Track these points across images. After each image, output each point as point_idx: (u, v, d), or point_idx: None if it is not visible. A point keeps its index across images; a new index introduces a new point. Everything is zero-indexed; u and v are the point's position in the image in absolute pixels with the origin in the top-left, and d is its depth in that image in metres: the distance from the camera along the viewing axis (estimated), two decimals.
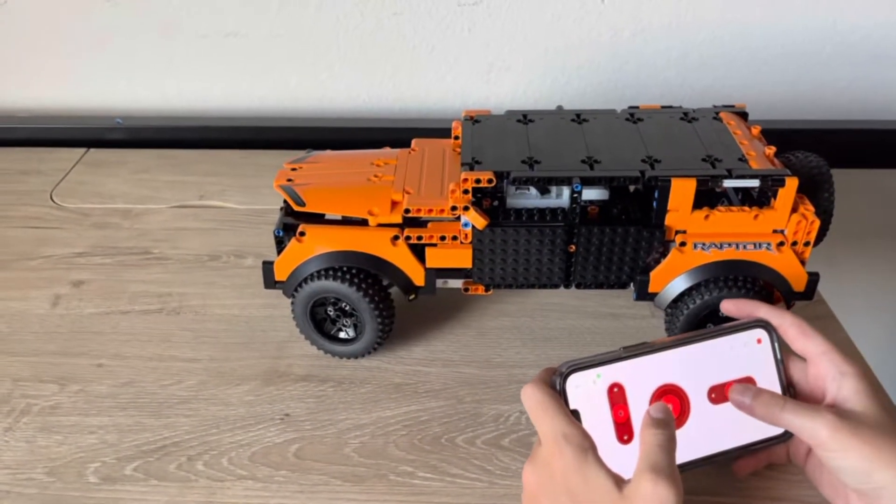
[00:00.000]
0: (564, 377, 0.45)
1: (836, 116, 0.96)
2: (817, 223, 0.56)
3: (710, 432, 0.48)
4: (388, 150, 0.65)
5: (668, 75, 0.94)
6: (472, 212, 0.55)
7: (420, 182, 0.59)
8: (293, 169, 0.62)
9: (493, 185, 0.54)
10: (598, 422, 0.46)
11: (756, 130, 0.61)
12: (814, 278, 0.57)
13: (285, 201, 0.59)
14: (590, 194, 0.57)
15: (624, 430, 0.46)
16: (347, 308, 0.59)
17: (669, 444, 0.42)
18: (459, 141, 0.61)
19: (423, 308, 0.65)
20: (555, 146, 0.58)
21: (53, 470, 0.53)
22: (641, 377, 0.47)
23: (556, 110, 0.63)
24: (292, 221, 0.59)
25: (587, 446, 0.42)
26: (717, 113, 0.63)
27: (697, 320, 0.57)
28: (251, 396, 0.59)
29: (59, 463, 0.53)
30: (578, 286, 0.59)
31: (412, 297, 0.60)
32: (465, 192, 0.55)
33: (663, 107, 0.64)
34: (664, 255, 0.57)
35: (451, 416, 0.57)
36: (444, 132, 0.66)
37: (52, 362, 0.62)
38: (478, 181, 0.54)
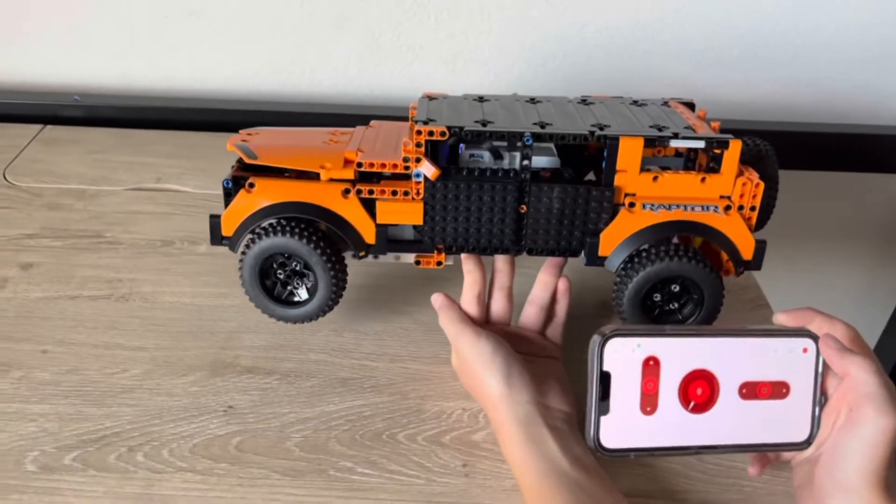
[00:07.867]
0: (605, 339, 0.46)
1: (799, 119, 0.97)
2: (762, 186, 0.56)
3: (729, 424, 0.48)
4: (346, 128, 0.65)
5: (633, 71, 0.94)
6: (424, 162, 0.55)
7: (375, 145, 0.59)
8: (248, 134, 0.62)
9: (445, 138, 0.55)
10: (627, 389, 0.47)
11: (702, 113, 0.62)
12: (761, 245, 0.58)
13: (239, 159, 0.59)
14: (541, 161, 0.57)
15: (648, 402, 0.48)
16: (298, 268, 0.58)
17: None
18: None
19: (375, 302, 0.66)
20: (508, 116, 0.59)
21: None
22: (679, 356, 0.48)
23: (511, 95, 0.64)
24: (243, 174, 0.58)
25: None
26: (666, 102, 0.64)
27: (646, 289, 0.57)
28: (196, 387, 0.59)
29: None
30: (530, 252, 0.59)
31: (362, 254, 0.59)
32: (419, 145, 0.55)
33: (614, 97, 0.65)
34: (613, 217, 0.57)
35: (394, 412, 0.58)
36: (406, 119, 0.66)
37: None
38: (431, 133, 0.55)
